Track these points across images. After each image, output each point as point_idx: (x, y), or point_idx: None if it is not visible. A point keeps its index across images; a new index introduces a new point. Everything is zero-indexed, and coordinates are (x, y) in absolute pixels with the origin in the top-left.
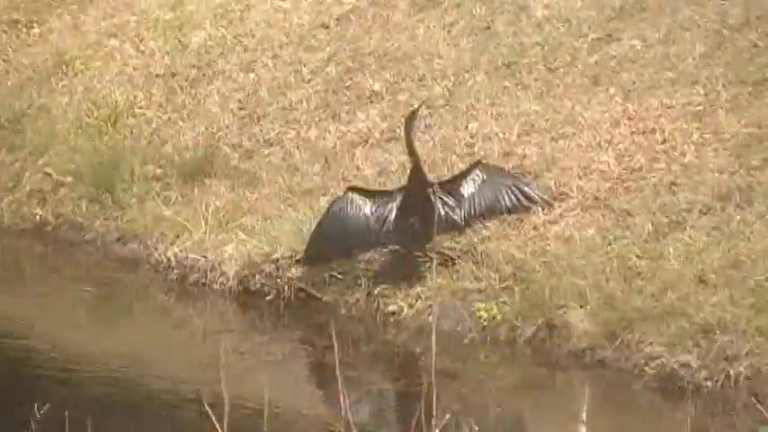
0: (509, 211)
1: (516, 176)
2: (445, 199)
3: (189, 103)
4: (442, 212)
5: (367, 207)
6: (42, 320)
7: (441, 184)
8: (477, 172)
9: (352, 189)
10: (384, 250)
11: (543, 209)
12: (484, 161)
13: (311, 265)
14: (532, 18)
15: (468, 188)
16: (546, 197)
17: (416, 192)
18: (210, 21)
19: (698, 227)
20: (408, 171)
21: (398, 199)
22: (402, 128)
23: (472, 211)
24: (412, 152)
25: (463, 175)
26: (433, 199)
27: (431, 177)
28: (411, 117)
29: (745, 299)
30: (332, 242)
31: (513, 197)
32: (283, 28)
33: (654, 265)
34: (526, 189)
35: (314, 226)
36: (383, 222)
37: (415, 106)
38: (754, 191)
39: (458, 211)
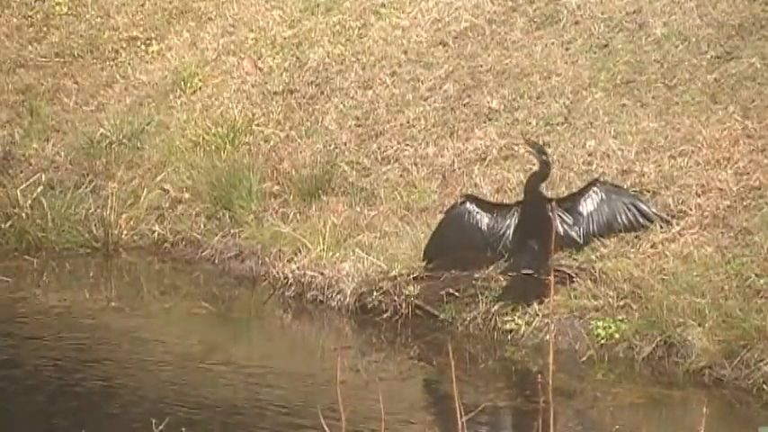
0: (627, 229)
1: (634, 194)
2: (564, 216)
3: (307, 121)
4: (561, 230)
5: (484, 221)
6: (159, 337)
7: (559, 201)
8: (596, 189)
9: (469, 198)
10: (499, 265)
11: (661, 227)
12: (602, 179)
13: (429, 271)
14: (651, 36)
15: (586, 206)
16: (664, 215)
17: (535, 208)
18: (329, 38)
19: None
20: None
21: (516, 215)
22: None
23: (590, 229)
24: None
25: (581, 192)
26: (552, 216)
27: (549, 194)
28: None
29: None
30: (448, 252)
31: (630, 215)
32: (401, 45)
33: None
34: (644, 207)
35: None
36: (500, 238)
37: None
38: None
39: (576, 228)
